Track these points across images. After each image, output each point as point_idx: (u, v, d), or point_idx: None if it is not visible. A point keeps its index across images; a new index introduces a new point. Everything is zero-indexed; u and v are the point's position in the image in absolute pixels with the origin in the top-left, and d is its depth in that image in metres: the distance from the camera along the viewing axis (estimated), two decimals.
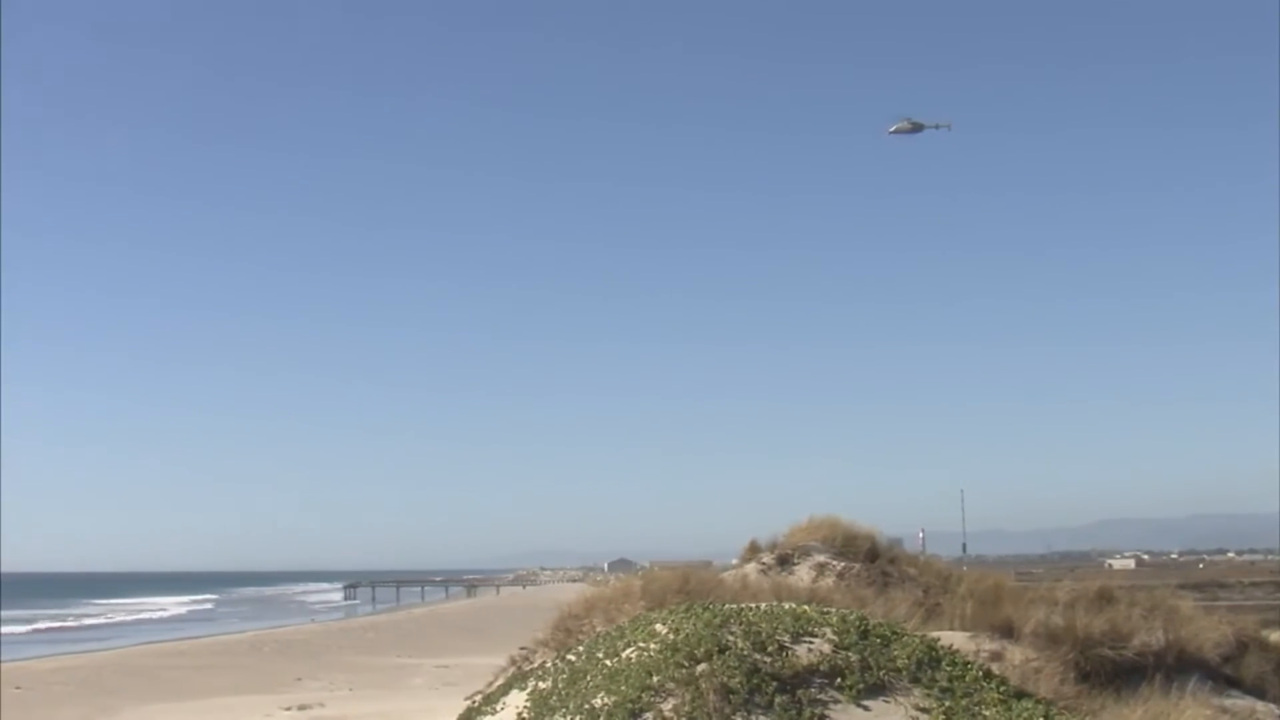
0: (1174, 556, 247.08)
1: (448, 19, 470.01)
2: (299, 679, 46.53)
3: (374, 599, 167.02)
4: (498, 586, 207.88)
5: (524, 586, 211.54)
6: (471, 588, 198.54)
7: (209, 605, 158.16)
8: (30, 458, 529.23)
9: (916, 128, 33.81)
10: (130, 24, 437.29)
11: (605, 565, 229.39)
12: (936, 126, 34.40)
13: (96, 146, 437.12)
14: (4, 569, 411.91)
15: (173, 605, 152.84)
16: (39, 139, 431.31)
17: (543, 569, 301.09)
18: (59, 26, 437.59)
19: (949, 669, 14.07)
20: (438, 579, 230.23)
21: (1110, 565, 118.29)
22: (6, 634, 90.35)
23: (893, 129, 34.15)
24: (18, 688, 45.01)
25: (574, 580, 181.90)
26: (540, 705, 14.65)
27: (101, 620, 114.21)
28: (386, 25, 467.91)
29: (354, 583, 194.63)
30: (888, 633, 14.72)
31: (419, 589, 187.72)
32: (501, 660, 24.07)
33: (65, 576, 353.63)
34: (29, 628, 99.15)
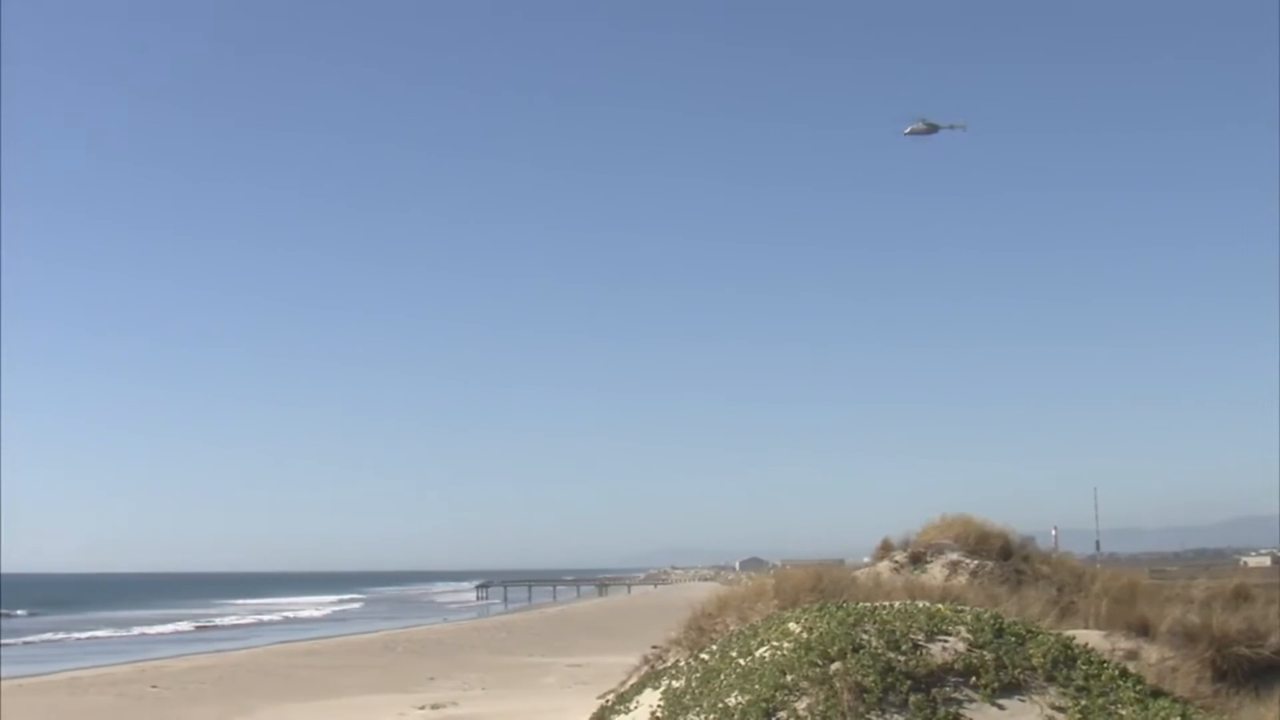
0: None
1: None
2: (432, 678, 46.84)
3: (506, 598, 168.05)
4: (629, 585, 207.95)
5: (655, 585, 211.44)
6: (603, 587, 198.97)
7: (358, 604, 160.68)
8: (183, 460, 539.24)
9: (932, 129, 33.56)
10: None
11: (737, 564, 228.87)
12: (952, 127, 34.17)
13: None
14: (150, 569, 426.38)
15: (325, 605, 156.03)
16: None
17: (674, 568, 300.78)
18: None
19: (1084, 667, 13.91)
20: (569, 578, 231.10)
21: (1245, 563, 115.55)
22: (154, 634, 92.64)
23: (908, 130, 33.96)
24: (154, 686, 46.00)
25: (705, 579, 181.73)
26: (674, 704, 14.72)
27: (251, 620, 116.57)
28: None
29: (486, 582, 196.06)
30: (1022, 631, 14.60)
31: (551, 588, 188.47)
32: (634, 659, 24.21)
33: (213, 576, 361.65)
34: (170, 628, 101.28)
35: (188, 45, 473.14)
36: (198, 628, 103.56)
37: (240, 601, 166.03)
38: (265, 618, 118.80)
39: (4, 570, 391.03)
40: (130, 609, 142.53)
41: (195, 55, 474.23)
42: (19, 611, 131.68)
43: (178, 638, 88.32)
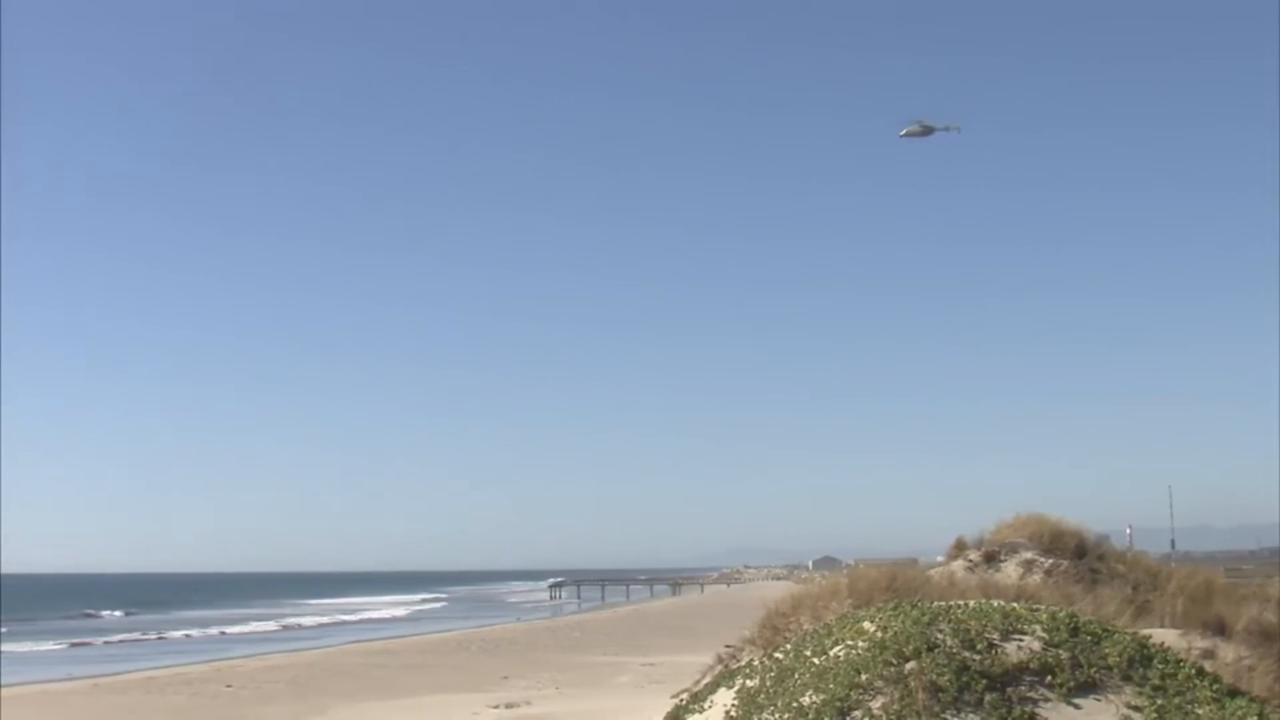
0: None
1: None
2: (505, 677, 46.98)
3: (579, 597, 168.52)
4: (702, 585, 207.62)
5: (729, 585, 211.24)
6: (676, 586, 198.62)
7: (441, 604, 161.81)
8: (259, 462, 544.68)
9: (927, 130, 33.45)
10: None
11: (810, 563, 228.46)
12: (947, 128, 34.05)
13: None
14: (231, 569, 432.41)
15: (410, 604, 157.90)
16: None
17: (747, 567, 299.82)
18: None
19: (1161, 667, 13.88)
20: (643, 577, 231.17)
21: None
22: (244, 633, 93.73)
23: (903, 132, 33.86)
24: (228, 685, 46.42)
25: (778, 578, 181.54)
26: (748, 703, 14.79)
27: (337, 619, 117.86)
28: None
29: (560, 581, 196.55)
30: (1098, 630, 14.57)
31: (624, 587, 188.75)
32: (708, 658, 24.28)
33: (293, 576, 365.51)
34: (254, 627, 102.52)
35: (261, 39, 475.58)
36: (283, 627, 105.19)
37: (322, 601, 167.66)
38: (349, 617, 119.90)
39: (108, 570, 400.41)
40: (218, 609, 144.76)
41: (270, 51, 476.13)
42: (116, 612, 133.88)
43: (259, 637, 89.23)
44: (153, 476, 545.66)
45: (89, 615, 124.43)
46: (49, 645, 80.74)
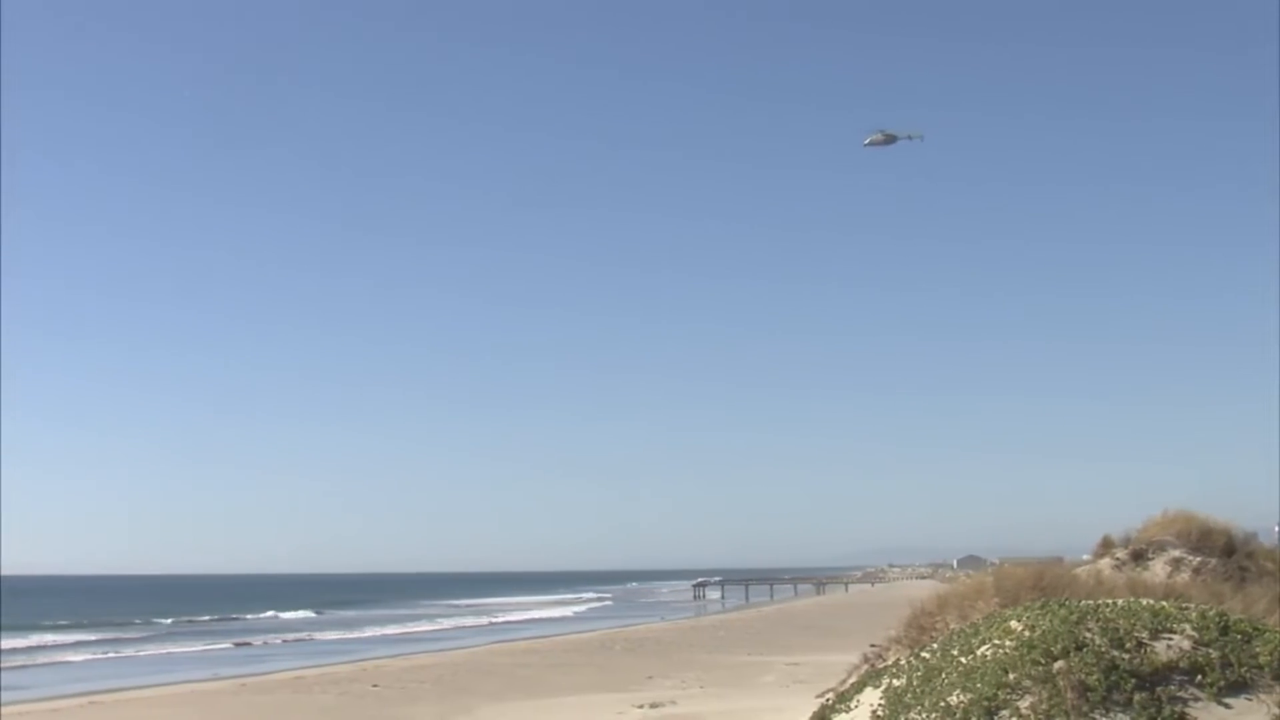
0: None
1: None
2: (650, 677, 47.17)
3: (723, 597, 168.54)
4: (846, 584, 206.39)
5: (873, 584, 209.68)
6: (820, 585, 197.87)
7: (606, 603, 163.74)
8: (404, 462, 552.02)
9: (889, 139, 33.07)
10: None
11: (954, 562, 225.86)
12: (909, 137, 33.68)
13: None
14: (393, 570, 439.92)
15: (582, 603, 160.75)
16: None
17: (891, 566, 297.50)
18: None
19: None
20: (787, 577, 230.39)
21: None
22: (388, 634, 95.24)
23: (867, 141, 33.55)
24: (374, 685, 47.16)
25: (923, 577, 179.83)
26: (895, 703, 14.85)
27: (517, 617, 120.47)
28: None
29: (704, 581, 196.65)
30: (1248, 629, 14.37)
31: (768, 587, 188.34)
32: (852, 658, 24.32)
33: (447, 576, 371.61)
34: (402, 628, 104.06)
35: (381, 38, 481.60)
36: (491, 623, 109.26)
37: (471, 601, 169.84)
38: (498, 618, 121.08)
39: (290, 570, 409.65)
40: (378, 609, 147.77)
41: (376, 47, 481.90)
42: (309, 612, 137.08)
43: (413, 637, 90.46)
44: (317, 481, 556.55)
45: (235, 618, 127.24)
46: (216, 645, 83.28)
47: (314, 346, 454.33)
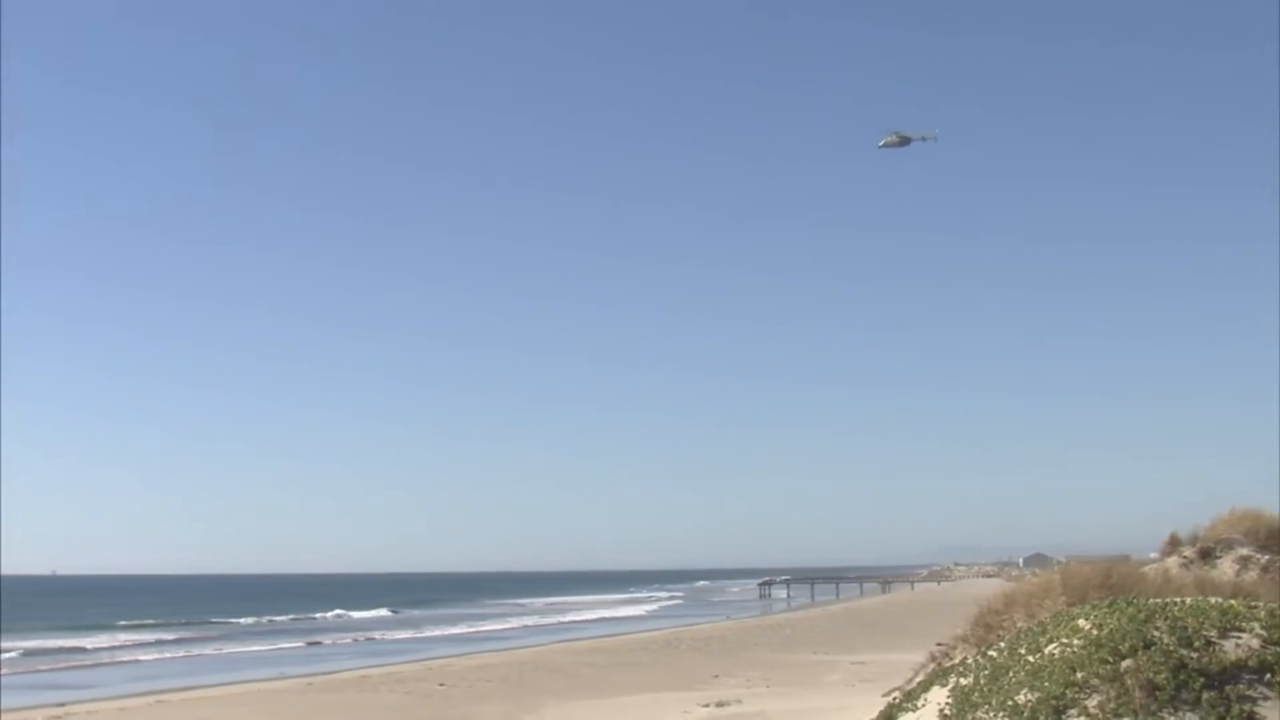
0: None
1: None
2: (716, 675, 47.23)
3: (789, 596, 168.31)
4: (912, 583, 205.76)
5: (939, 583, 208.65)
6: (886, 584, 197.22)
7: (678, 601, 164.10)
8: (466, 461, 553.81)
9: (904, 141, 32.76)
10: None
11: (1020, 560, 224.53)
12: (924, 138, 33.35)
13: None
14: (460, 569, 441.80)
15: (656, 601, 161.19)
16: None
17: (957, 565, 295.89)
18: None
19: None
20: (852, 576, 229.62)
21: None
22: (445, 635, 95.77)
23: (882, 143, 33.25)
24: (441, 684, 47.46)
25: (989, 576, 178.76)
26: (963, 702, 14.85)
27: (585, 616, 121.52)
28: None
29: (769, 580, 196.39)
30: None
31: (834, 586, 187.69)
32: (918, 657, 24.30)
33: (522, 576, 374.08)
34: (516, 622, 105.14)
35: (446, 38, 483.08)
36: (559, 622, 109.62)
37: (541, 600, 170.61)
38: (567, 617, 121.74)
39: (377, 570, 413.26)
40: (453, 607, 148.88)
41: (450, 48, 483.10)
42: (383, 611, 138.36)
43: (481, 636, 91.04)
44: (390, 482, 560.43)
45: (309, 618, 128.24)
46: (287, 644, 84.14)
47: (381, 347, 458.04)
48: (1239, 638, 13.88)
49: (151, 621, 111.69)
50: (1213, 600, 15.61)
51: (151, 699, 45.61)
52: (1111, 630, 14.30)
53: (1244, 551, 26.65)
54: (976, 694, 14.75)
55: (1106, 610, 15.34)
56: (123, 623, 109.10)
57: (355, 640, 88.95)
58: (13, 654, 72.44)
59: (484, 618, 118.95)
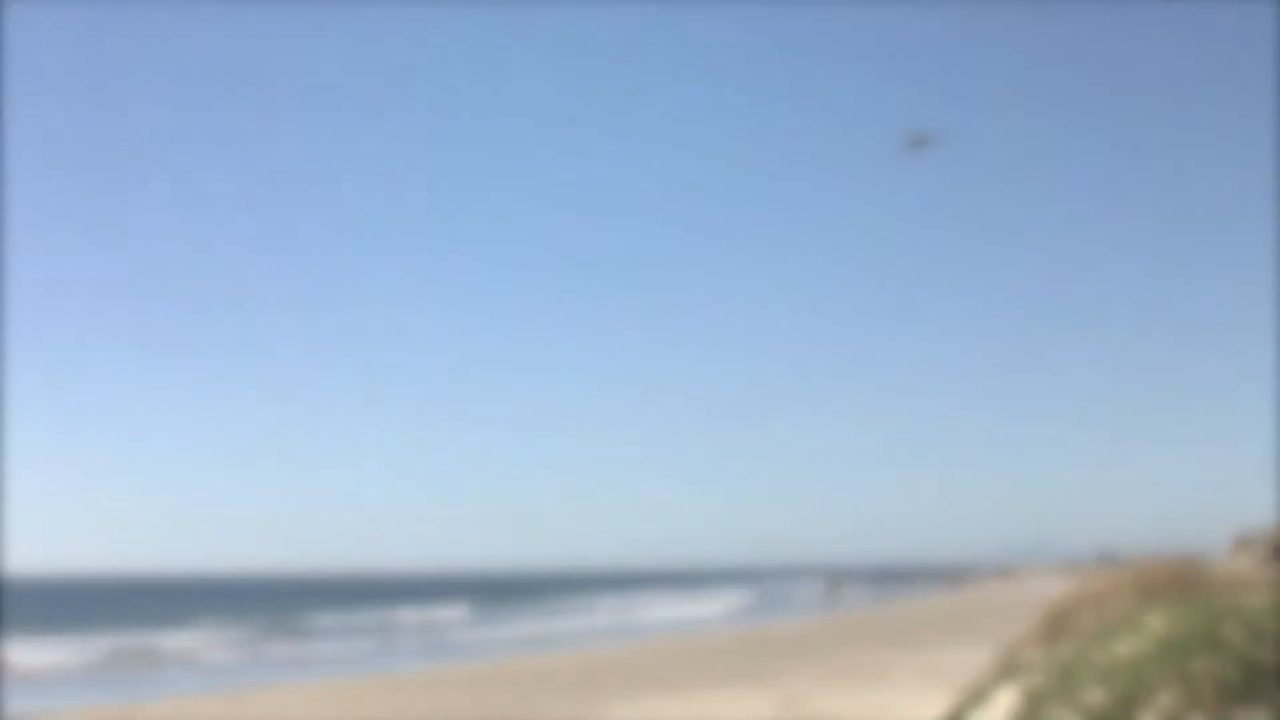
0: None
1: None
2: (785, 673, 47.17)
3: (857, 594, 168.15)
4: (980, 580, 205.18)
5: (1007, 580, 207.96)
6: (954, 582, 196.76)
7: (747, 599, 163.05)
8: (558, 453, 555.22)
9: (918, 144, 32.50)
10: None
11: (1090, 558, 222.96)
12: (935, 143, 33.04)
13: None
14: (541, 569, 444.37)
15: (723, 599, 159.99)
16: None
17: (1025, 563, 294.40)
18: None
19: None
20: (920, 574, 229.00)
21: None
22: (517, 633, 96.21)
23: (900, 146, 32.99)
24: (511, 682, 47.69)
25: (1058, 574, 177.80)
26: (1032, 701, 14.85)
27: (657, 615, 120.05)
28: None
29: (837, 577, 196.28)
30: None
31: (901, 584, 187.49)
32: (987, 656, 24.21)
33: (599, 575, 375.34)
34: (539, 627, 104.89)
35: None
36: (631, 621, 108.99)
37: (631, 599, 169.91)
38: (660, 614, 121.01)
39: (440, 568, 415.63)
40: (543, 606, 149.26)
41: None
42: (456, 610, 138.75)
43: (552, 637, 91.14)
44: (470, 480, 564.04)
45: (386, 615, 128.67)
46: (360, 643, 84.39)
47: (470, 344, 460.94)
48: None
49: (227, 620, 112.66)
50: None
51: (220, 698, 46.06)
52: (1183, 629, 14.26)
53: None
54: (1046, 694, 14.73)
55: (1178, 609, 15.29)
56: (201, 620, 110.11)
57: (427, 638, 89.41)
58: (89, 653, 73.23)
59: (555, 614, 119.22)
